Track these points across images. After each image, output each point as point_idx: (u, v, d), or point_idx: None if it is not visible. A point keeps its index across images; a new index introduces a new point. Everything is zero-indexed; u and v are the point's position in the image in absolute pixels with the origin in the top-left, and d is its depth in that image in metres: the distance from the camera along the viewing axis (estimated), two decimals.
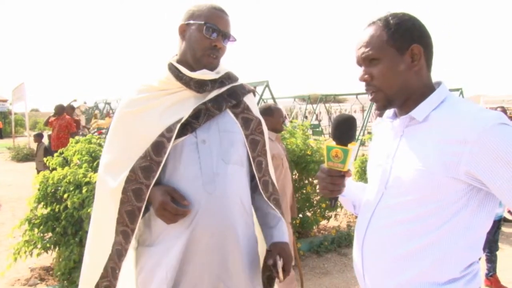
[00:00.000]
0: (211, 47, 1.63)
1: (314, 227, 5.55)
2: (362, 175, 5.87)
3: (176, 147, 1.59)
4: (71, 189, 3.60)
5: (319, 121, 25.86)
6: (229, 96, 1.72)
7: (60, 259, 3.73)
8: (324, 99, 23.34)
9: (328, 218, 5.61)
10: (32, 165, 10.86)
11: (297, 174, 5.26)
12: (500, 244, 4.28)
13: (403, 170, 1.29)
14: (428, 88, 1.34)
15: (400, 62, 1.31)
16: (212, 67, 1.67)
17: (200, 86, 1.64)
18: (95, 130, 11.52)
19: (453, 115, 1.23)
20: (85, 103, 23.98)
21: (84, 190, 3.51)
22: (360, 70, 1.38)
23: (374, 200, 1.39)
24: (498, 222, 4.19)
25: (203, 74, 1.64)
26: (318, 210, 5.39)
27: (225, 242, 1.60)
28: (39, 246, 3.66)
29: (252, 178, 1.79)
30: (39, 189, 3.75)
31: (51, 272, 4.41)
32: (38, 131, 12.58)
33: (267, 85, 12.09)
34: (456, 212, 1.22)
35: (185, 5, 1.76)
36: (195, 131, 1.61)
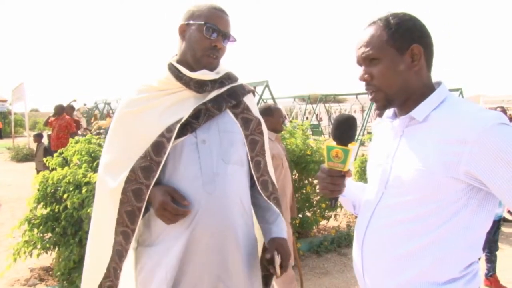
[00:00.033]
0: (211, 47, 1.63)
1: (314, 227, 5.55)
2: (362, 175, 5.87)
3: (176, 147, 1.59)
4: (71, 189, 3.60)
5: (320, 119, 25.87)
6: (229, 96, 1.72)
7: (60, 259, 3.73)
8: (324, 99, 23.35)
9: (328, 218, 5.61)
10: (31, 165, 10.86)
11: (297, 174, 5.25)
12: (499, 244, 4.28)
13: (403, 170, 1.30)
14: (428, 88, 1.34)
15: (400, 62, 1.31)
16: (212, 67, 1.67)
17: (200, 86, 1.64)
18: (97, 131, 11.50)
19: (453, 115, 1.23)
20: (85, 105, 23.96)
21: (83, 190, 3.51)
22: (360, 70, 1.38)
23: (374, 200, 1.39)
24: (498, 222, 4.19)
25: (203, 74, 1.64)
26: (318, 210, 5.39)
27: (225, 242, 1.59)
28: (38, 246, 3.66)
29: (251, 178, 1.79)
30: (38, 189, 3.75)
31: (50, 273, 4.41)
32: (37, 131, 12.58)
33: (267, 85, 12.09)
34: (456, 212, 1.23)
35: (185, 5, 1.75)
36: (195, 131, 1.61)
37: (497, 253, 4.18)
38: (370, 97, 1.39)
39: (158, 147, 1.57)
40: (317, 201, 5.36)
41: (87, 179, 3.60)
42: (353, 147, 1.34)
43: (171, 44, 1.89)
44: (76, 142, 4.38)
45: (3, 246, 5.01)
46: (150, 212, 1.63)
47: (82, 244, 3.57)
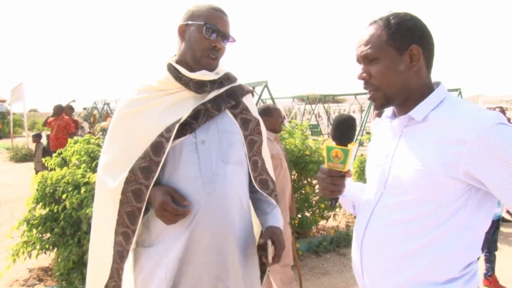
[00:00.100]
0: (210, 47, 1.63)
1: (313, 227, 5.55)
2: (361, 175, 5.87)
3: (175, 148, 1.59)
4: (70, 189, 3.59)
5: (319, 117, 25.86)
6: (228, 97, 1.72)
7: (59, 260, 3.72)
8: (323, 99, 23.37)
9: (327, 218, 5.61)
10: (30, 165, 10.85)
11: (296, 175, 5.26)
12: (498, 244, 4.29)
13: (402, 170, 1.30)
14: (427, 88, 1.34)
15: (399, 62, 1.31)
16: (212, 67, 1.67)
17: (199, 87, 1.64)
18: (101, 133, 11.49)
19: (452, 115, 1.24)
20: (84, 109, 23.93)
21: (82, 191, 3.51)
22: (359, 68, 1.39)
23: (373, 199, 1.39)
24: (497, 222, 4.20)
25: (203, 75, 1.64)
26: (317, 210, 5.39)
27: (225, 242, 1.60)
28: (37, 247, 3.66)
29: (250, 177, 1.79)
30: (37, 190, 3.75)
31: (49, 273, 4.40)
32: (36, 132, 12.56)
33: (266, 85, 12.09)
34: (455, 212, 1.23)
35: (185, 5, 1.75)
36: (195, 131, 1.62)
37: (496, 253, 4.18)
38: (368, 95, 1.39)
39: (157, 147, 1.57)
40: (316, 201, 5.36)
41: (86, 179, 3.60)
42: (352, 147, 1.34)
43: (170, 44, 1.89)
44: (75, 142, 4.38)
45: (2, 247, 5.00)
46: (150, 213, 1.62)
47: (80, 244, 3.57)
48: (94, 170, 3.78)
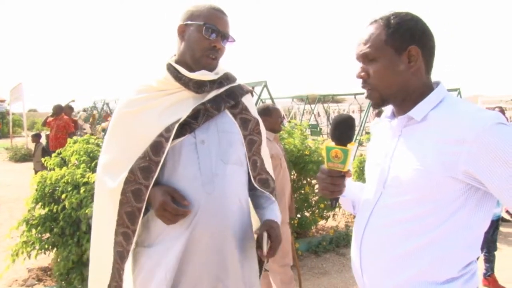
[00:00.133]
0: (210, 47, 1.63)
1: (313, 227, 5.55)
2: (360, 175, 5.87)
3: (175, 148, 1.59)
4: (69, 189, 3.59)
5: (319, 116, 25.85)
6: (228, 97, 1.72)
7: (58, 260, 3.72)
8: (323, 99, 23.37)
9: (326, 218, 5.61)
10: (29, 165, 10.84)
11: (295, 175, 5.26)
12: (498, 244, 4.29)
13: (401, 169, 1.30)
14: (426, 88, 1.34)
15: (397, 62, 1.31)
16: (211, 67, 1.67)
17: (199, 87, 1.64)
18: (102, 134, 11.46)
19: (451, 115, 1.24)
20: (84, 110, 23.88)
21: (82, 191, 3.51)
22: (358, 67, 1.39)
23: (373, 199, 1.39)
24: (496, 222, 4.20)
25: (202, 75, 1.64)
26: (317, 210, 5.39)
27: (224, 242, 1.60)
28: (37, 247, 3.65)
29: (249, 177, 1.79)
30: (36, 190, 3.75)
31: (48, 273, 4.40)
32: (36, 131, 12.55)
33: (265, 85, 12.09)
34: (454, 212, 1.23)
35: (184, 5, 1.75)
36: (194, 131, 1.62)
37: (496, 253, 4.18)
38: (365, 94, 1.39)
39: (157, 147, 1.57)
40: (316, 201, 5.36)
41: (85, 179, 3.60)
42: (352, 147, 1.34)
43: (170, 44, 1.89)
44: (75, 142, 4.37)
45: (2, 247, 5.00)
46: (149, 213, 1.62)
47: (80, 244, 3.57)
48: (93, 170, 3.78)
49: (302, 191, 5.30)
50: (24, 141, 16.71)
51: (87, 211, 3.39)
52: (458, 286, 1.26)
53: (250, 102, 1.83)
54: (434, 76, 1.38)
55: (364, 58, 1.36)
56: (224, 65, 1.77)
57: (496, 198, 1.23)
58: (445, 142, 1.20)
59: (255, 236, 1.70)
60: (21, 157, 14.70)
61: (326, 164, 1.37)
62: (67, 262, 3.57)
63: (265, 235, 1.65)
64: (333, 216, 5.79)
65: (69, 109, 11.02)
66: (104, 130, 11.90)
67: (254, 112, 1.83)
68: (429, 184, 1.23)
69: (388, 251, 1.32)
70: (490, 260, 4.16)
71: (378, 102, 1.38)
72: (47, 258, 4.40)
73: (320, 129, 21.30)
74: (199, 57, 1.63)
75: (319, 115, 27.36)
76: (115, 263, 1.65)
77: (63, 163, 4.26)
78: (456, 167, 1.18)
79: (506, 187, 1.15)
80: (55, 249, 3.77)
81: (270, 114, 3.49)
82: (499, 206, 3.98)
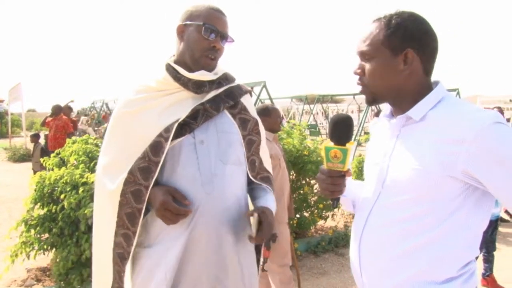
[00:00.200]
0: (209, 48, 1.63)
1: (312, 228, 5.55)
2: (359, 175, 5.87)
3: (174, 148, 1.59)
4: (68, 189, 3.59)
5: (317, 114, 25.85)
6: (227, 97, 1.72)
7: (57, 260, 3.72)
8: (321, 99, 23.38)
9: (325, 218, 5.61)
10: (28, 165, 10.82)
11: (294, 175, 5.26)
12: (497, 244, 4.29)
13: (400, 169, 1.30)
14: (424, 89, 1.34)
15: (392, 63, 1.32)
16: (210, 68, 1.67)
17: (198, 87, 1.64)
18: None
19: (450, 115, 1.24)
20: (86, 115, 23.79)
21: (80, 191, 3.51)
22: (356, 63, 1.40)
23: (371, 199, 1.39)
24: (495, 222, 4.20)
25: (202, 75, 1.64)
26: (316, 211, 5.40)
27: (223, 242, 1.60)
28: (36, 247, 3.65)
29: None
30: (35, 190, 3.75)
31: (47, 273, 4.39)
32: (35, 132, 12.54)
33: (265, 86, 12.10)
34: (453, 211, 1.23)
35: (184, 5, 1.75)
36: (193, 131, 1.61)
37: (495, 253, 4.19)
38: (360, 90, 1.41)
39: (156, 147, 1.57)
40: (315, 201, 5.36)
41: (84, 180, 3.60)
42: (351, 146, 1.34)
43: (169, 44, 1.88)
44: (73, 143, 4.37)
45: (1, 248, 4.99)
46: (149, 214, 1.62)
47: (79, 244, 3.57)
48: (92, 170, 3.78)
49: (301, 191, 5.30)
50: (23, 141, 16.70)
51: (86, 211, 3.39)
52: (457, 286, 1.26)
53: (249, 102, 1.83)
54: (433, 76, 1.38)
55: (362, 55, 1.37)
56: (223, 65, 1.77)
57: (495, 198, 1.23)
58: (443, 142, 1.20)
59: (247, 212, 1.66)
60: (20, 157, 14.68)
61: (326, 164, 1.36)
62: (66, 262, 3.57)
63: (255, 216, 1.61)
64: (332, 216, 5.79)
65: (68, 109, 11.01)
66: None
67: (253, 112, 1.83)
68: (427, 183, 1.23)
69: (387, 251, 1.32)
70: (489, 260, 4.17)
71: (369, 100, 1.41)
72: (46, 259, 4.40)
73: (319, 129, 21.31)
74: (198, 57, 1.63)
75: (317, 113, 27.36)
76: (115, 265, 1.65)
77: (62, 163, 4.26)
78: (455, 166, 1.18)
79: (504, 186, 1.16)
80: (54, 249, 3.77)
81: (269, 114, 3.49)
82: (498, 206, 3.99)
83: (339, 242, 5.33)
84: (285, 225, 3.39)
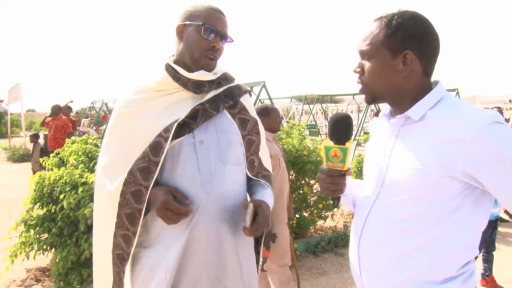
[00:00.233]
0: (209, 48, 1.63)
1: (311, 228, 5.55)
2: (359, 175, 5.87)
3: (174, 148, 1.59)
4: (67, 189, 3.59)
5: (316, 114, 25.85)
6: (226, 97, 1.72)
7: (57, 260, 3.71)
8: (321, 99, 23.39)
9: (325, 218, 5.61)
10: (28, 165, 10.81)
11: (294, 175, 5.26)
12: (496, 244, 4.29)
13: (399, 169, 1.30)
14: (423, 89, 1.33)
15: (390, 64, 1.32)
16: (210, 68, 1.67)
17: (197, 87, 1.64)
18: None
19: (449, 115, 1.24)
20: (87, 117, 23.79)
21: (80, 191, 3.50)
22: (356, 61, 1.40)
23: (371, 199, 1.39)
24: (495, 222, 4.20)
25: (201, 75, 1.64)
26: (315, 211, 5.40)
27: (223, 242, 1.60)
28: (35, 247, 3.65)
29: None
30: (35, 190, 3.74)
31: (47, 273, 4.39)
32: (34, 132, 12.53)
33: (264, 86, 12.11)
34: (452, 211, 1.23)
35: (184, 5, 1.75)
36: (193, 131, 1.61)
37: (494, 253, 4.19)
38: (359, 89, 1.41)
39: (156, 147, 1.57)
40: (314, 202, 5.36)
41: (83, 180, 3.60)
42: (351, 145, 1.34)
43: (168, 44, 1.88)
44: (73, 143, 4.37)
45: (1, 248, 4.99)
46: (149, 214, 1.62)
47: (78, 244, 3.56)
48: (92, 170, 3.78)
49: (301, 191, 5.30)
50: (22, 141, 16.69)
51: (85, 211, 3.38)
52: (456, 285, 1.26)
53: (248, 102, 1.83)
54: (433, 76, 1.38)
55: (362, 54, 1.38)
56: (223, 65, 1.77)
57: (494, 198, 1.23)
58: (443, 141, 1.20)
59: (243, 204, 1.64)
60: (19, 157, 14.66)
61: (326, 163, 1.36)
62: (65, 263, 3.56)
63: (250, 206, 1.58)
64: (331, 216, 5.79)
65: (67, 109, 11.02)
66: None
67: (252, 112, 1.83)
68: (426, 183, 1.23)
69: (386, 250, 1.32)
70: (488, 260, 4.17)
71: (368, 99, 1.41)
72: (45, 258, 4.39)
73: (319, 129, 21.32)
74: (197, 57, 1.63)
75: (317, 113, 27.37)
76: (115, 266, 1.65)
77: (62, 163, 4.25)
78: (454, 166, 1.18)
79: (503, 186, 1.16)
80: (53, 249, 3.77)
81: (268, 114, 3.49)
82: (498, 206, 3.99)
83: (338, 242, 5.33)
84: (284, 225, 3.39)
